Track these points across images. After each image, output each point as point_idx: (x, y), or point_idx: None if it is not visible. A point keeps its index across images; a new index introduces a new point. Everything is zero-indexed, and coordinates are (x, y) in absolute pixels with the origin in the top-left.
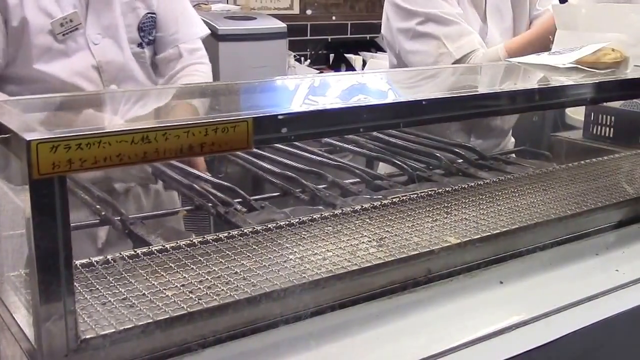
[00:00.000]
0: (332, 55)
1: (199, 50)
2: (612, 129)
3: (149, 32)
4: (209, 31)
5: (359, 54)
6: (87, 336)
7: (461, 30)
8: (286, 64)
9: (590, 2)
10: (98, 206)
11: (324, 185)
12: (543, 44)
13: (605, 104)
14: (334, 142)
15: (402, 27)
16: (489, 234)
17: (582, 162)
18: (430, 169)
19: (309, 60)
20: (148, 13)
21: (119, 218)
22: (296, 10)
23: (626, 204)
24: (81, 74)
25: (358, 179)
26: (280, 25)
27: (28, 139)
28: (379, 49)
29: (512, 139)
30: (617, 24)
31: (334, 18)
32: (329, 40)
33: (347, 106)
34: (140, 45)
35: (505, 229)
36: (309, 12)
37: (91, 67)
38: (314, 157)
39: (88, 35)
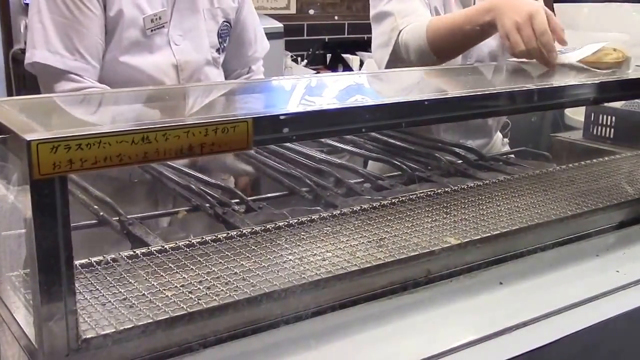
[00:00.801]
0: (329, 56)
1: (262, 65)
2: (612, 130)
3: (224, 40)
4: (268, 47)
5: (356, 54)
6: (88, 336)
7: (415, 8)
8: (283, 65)
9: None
10: (96, 206)
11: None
12: (472, 32)
13: (606, 104)
14: (332, 142)
15: (373, 14)
16: (489, 234)
17: (583, 162)
18: (429, 169)
19: (305, 61)
20: (224, 21)
21: (117, 219)
22: (293, 10)
23: (627, 205)
24: (162, 70)
25: (361, 179)
26: (277, 25)
27: (28, 139)
28: None
29: (500, 137)
30: (619, 24)
31: (336, 18)
32: (326, 40)
33: (348, 106)
34: (218, 50)
35: (505, 230)
36: (311, 11)
37: (171, 65)
38: (313, 157)
39: (170, 35)
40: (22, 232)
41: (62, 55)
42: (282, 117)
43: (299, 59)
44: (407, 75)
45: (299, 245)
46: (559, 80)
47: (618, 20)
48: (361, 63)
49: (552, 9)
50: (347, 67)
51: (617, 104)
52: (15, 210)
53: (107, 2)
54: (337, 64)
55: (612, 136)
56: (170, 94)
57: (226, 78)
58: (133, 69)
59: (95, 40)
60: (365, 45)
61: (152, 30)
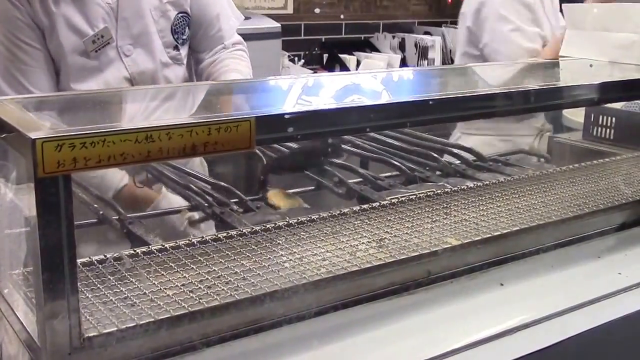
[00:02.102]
0: (325, 56)
1: (240, 43)
2: (612, 131)
3: (182, 33)
4: (243, 17)
5: (353, 54)
6: (90, 334)
7: (535, 50)
8: (280, 64)
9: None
10: (96, 205)
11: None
12: None
13: (606, 105)
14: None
15: (497, 28)
16: (489, 235)
17: (584, 163)
18: (427, 170)
19: (303, 61)
20: (179, 13)
21: (117, 217)
22: (290, 10)
23: (628, 207)
24: (112, 87)
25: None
26: (275, 25)
27: (33, 137)
28: (374, 49)
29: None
30: (629, 24)
31: (342, 17)
32: (323, 40)
33: (352, 106)
34: (175, 47)
35: (505, 231)
36: (317, 10)
37: (123, 79)
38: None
39: (120, 47)
40: (23, 230)
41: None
42: (283, 117)
43: (296, 58)
44: (407, 75)
45: (299, 245)
46: (560, 81)
47: (629, 20)
48: (358, 63)
49: (561, 10)
50: (344, 67)
51: (617, 105)
52: (15, 209)
53: (45, 34)
54: (334, 64)
55: (612, 137)
56: (173, 93)
57: (198, 63)
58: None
59: (43, 74)
60: (362, 45)
61: (96, 51)
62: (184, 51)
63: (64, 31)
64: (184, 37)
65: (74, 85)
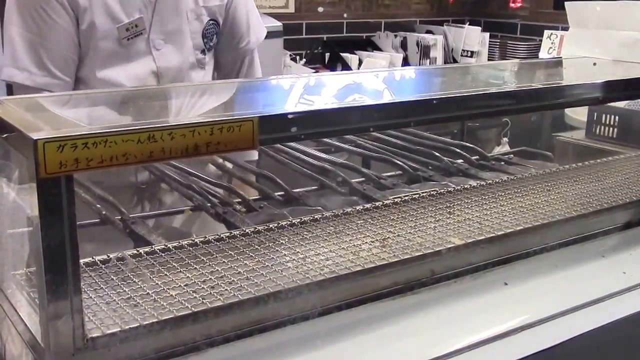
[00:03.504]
0: (327, 55)
1: (256, 55)
2: (615, 129)
3: (210, 39)
4: (266, 31)
5: (355, 53)
6: (94, 335)
7: None
8: (282, 63)
9: None
10: (98, 205)
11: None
12: None
13: (609, 104)
14: (331, 141)
15: None
16: (493, 235)
17: (587, 162)
18: (430, 169)
19: (304, 60)
20: (210, 20)
21: (120, 217)
22: (292, 9)
23: (633, 206)
24: (140, 79)
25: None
26: (276, 24)
27: (35, 138)
28: (375, 48)
29: None
30: (632, 22)
31: (345, 15)
32: (325, 39)
33: (355, 105)
34: (203, 51)
35: (509, 230)
36: (320, 9)
37: (150, 73)
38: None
39: (151, 39)
40: (25, 231)
41: (31, 72)
42: (286, 116)
43: (298, 57)
44: (409, 74)
45: (302, 245)
46: (564, 80)
47: (632, 18)
48: (360, 62)
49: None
50: (346, 66)
51: (620, 104)
52: (18, 209)
53: (78, 15)
54: (336, 63)
55: (615, 136)
56: (176, 93)
57: (220, 71)
58: (109, 84)
59: (65, 55)
60: (364, 44)
61: (128, 39)
62: (208, 57)
63: (100, 14)
64: (212, 43)
65: (100, 73)
